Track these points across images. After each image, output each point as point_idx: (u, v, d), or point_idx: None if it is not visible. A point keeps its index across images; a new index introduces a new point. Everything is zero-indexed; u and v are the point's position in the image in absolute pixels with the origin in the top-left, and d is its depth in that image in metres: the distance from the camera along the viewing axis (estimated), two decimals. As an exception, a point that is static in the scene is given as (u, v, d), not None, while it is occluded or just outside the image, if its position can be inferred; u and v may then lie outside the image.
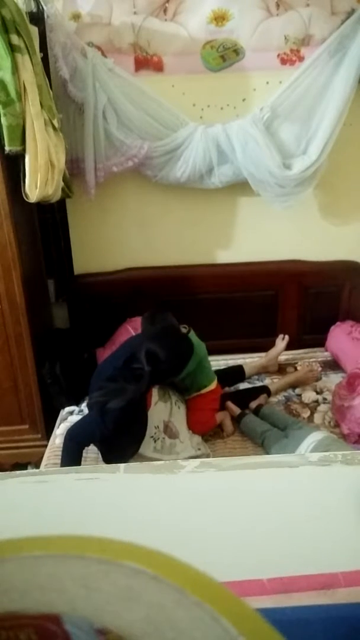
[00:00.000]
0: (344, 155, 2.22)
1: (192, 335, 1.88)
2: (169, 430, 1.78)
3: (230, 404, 2.05)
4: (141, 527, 0.63)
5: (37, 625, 0.28)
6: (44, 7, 1.85)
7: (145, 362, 1.55)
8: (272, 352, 2.36)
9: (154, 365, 1.56)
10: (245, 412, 2.03)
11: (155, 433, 1.72)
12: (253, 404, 2.08)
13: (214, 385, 1.97)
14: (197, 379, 1.91)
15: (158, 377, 1.63)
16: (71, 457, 1.58)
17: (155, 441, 1.72)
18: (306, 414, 2.07)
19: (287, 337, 2.37)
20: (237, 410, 2.03)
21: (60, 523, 0.64)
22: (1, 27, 1.47)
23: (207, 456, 1.80)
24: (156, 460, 1.64)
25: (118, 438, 1.59)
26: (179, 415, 1.88)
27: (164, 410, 1.82)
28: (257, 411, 2.05)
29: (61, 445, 1.89)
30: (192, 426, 1.89)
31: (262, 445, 1.87)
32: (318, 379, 2.31)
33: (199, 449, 1.82)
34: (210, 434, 1.98)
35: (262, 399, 2.11)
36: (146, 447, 1.68)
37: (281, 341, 2.37)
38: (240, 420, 1.99)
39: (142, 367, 1.56)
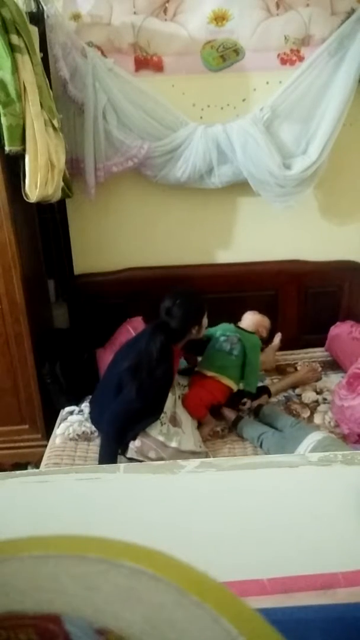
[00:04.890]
0: (344, 155, 2.22)
1: (251, 337, 2.10)
2: (173, 419, 1.84)
3: (225, 410, 2.05)
4: (141, 527, 0.63)
5: (37, 625, 0.28)
6: (44, 7, 1.85)
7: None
8: (268, 349, 2.35)
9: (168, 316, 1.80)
10: (241, 415, 2.03)
11: (162, 417, 1.79)
12: (254, 404, 2.07)
13: (231, 384, 2.02)
14: (232, 369, 2.01)
15: (175, 328, 1.82)
16: (113, 447, 1.70)
17: (161, 424, 1.77)
18: (306, 414, 2.07)
19: (279, 334, 2.33)
20: (232, 415, 2.03)
21: (60, 523, 0.64)
22: (1, 27, 1.47)
23: (206, 455, 1.81)
24: (160, 442, 1.72)
25: (155, 398, 1.77)
26: (181, 407, 1.92)
27: (170, 400, 1.87)
28: (257, 411, 2.05)
29: (61, 444, 1.90)
30: (186, 400, 1.96)
31: (261, 448, 1.87)
32: (319, 379, 2.31)
33: (200, 446, 1.84)
34: (210, 434, 1.98)
35: (262, 399, 2.11)
36: (153, 427, 1.75)
37: (277, 337, 2.34)
38: (237, 425, 1.99)
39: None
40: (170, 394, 1.87)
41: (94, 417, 1.96)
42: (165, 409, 1.81)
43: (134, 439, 1.73)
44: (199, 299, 1.94)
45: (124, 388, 1.76)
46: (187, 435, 1.82)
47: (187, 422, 1.88)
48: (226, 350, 2.05)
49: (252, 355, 2.05)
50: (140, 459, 1.72)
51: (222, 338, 2.09)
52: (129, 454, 1.74)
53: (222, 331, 2.12)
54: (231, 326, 2.15)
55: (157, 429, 1.75)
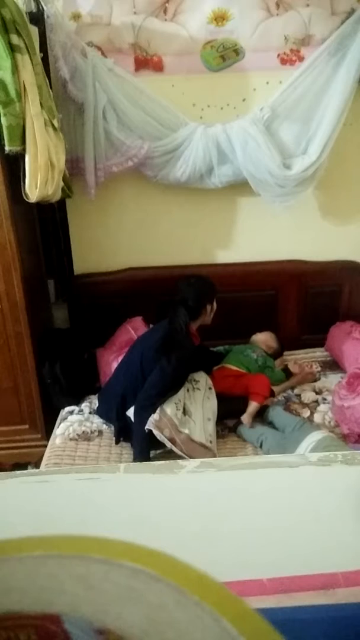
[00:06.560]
0: (344, 155, 2.22)
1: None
2: (183, 408, 1.87)
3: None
4: (141, 527, 0.63)
5: (37, 625, 0.28)
6: (44, 7, 1.85)
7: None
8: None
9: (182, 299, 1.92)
10: (241, 419, 2.03)
11: (177, 403, 1.84)
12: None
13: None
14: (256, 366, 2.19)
15: (192, 305, 1.93)
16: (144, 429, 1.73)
17: (177, 409, 1.82)
18: (306, 414, 2.06)
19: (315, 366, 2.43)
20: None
21: (60, 523, 0.64)
22: (1, 27, 1.47)
23: (213, 455, 1.81)
24: (175, 424, 1.77)
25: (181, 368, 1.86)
26: (190, 399, 1.95)
27: (181, 391, 1.90)
28: (262, 412, 2.05)
29: (61, 444, 1.90)
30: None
31: (261, 449, 1.87)
32: (316, 379, 2.31)
33: (210, 442, 1.84)
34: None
35: (268, 400, 2.11)
36: (170, 405, 1.80)
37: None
38: (236, 428, 2.00)
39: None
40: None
41: (104, 413, 2.00)
42: (179, 398, 1.85)
43: (154, 411, 1.77)
44: (209, 279, 2.06)
45: (149, 371, 1.82)
46: (197, 427, 1.84)
47: (197, 414, 1.89)
48: (253, 358, 2.22)
49: (269, 371, 2.23)
50: (156, 432, 1.73)
51: (250, 349, 2.28)
52: (148, 425, 1.75)
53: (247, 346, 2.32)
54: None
55: (174, 408, 1.80)
